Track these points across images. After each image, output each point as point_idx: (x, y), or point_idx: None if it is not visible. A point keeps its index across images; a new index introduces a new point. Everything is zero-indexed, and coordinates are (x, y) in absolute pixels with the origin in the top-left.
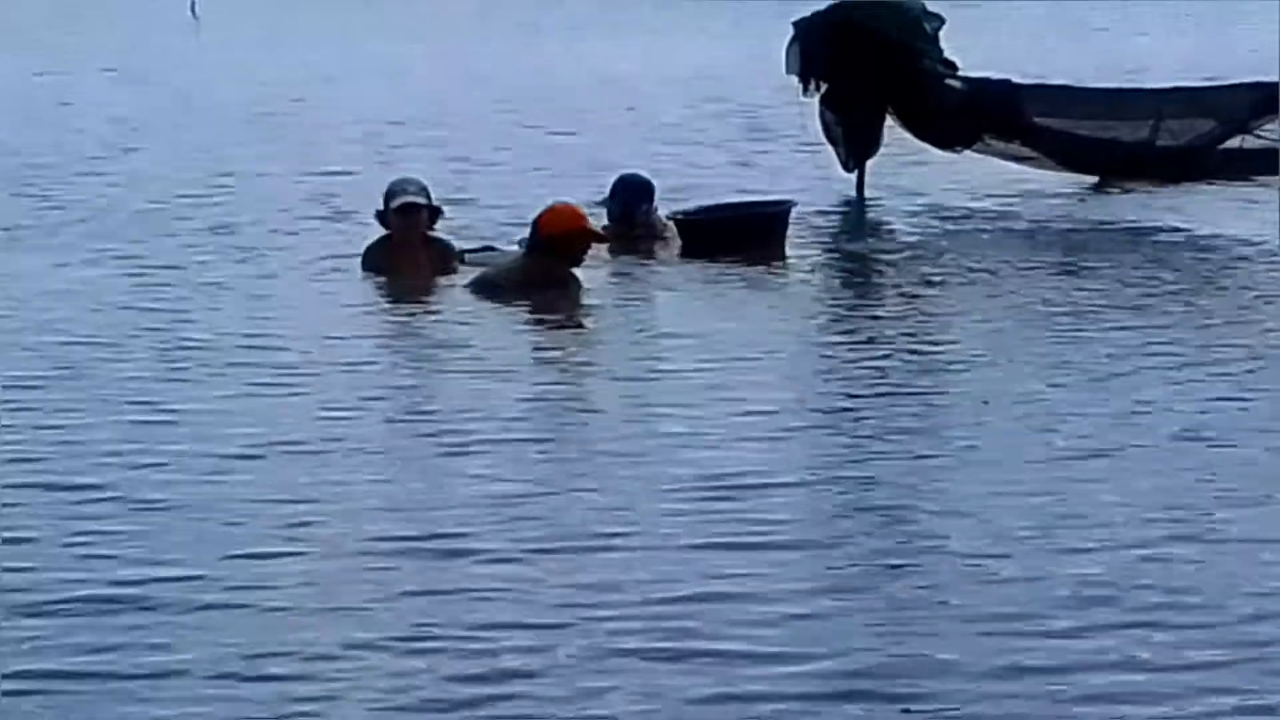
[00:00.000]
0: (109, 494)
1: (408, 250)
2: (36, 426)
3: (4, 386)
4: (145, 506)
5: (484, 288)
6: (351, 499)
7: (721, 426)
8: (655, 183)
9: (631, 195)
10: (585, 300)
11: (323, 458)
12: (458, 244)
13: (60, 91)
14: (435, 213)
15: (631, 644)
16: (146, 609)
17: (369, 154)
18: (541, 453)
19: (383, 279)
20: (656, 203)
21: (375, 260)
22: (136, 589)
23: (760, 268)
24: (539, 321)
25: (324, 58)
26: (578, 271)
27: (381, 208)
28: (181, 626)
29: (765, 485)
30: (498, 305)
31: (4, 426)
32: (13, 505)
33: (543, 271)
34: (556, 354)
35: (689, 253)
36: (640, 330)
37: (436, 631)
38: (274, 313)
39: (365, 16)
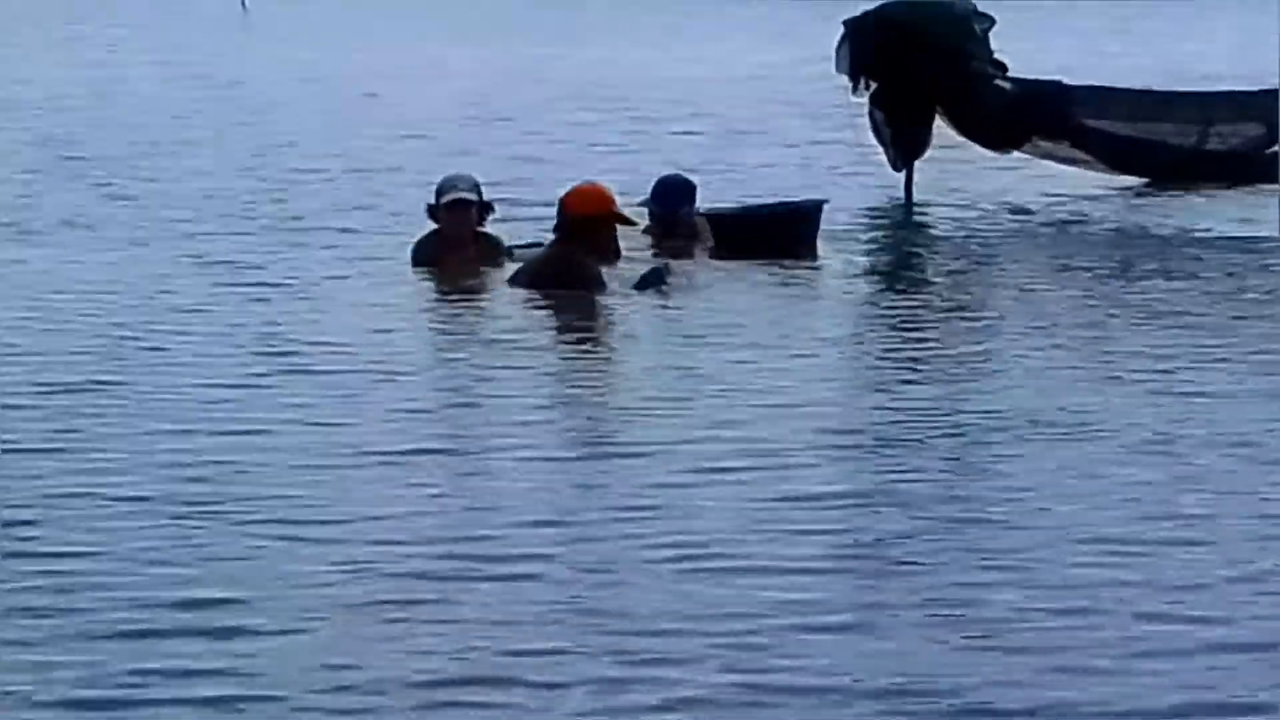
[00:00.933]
0: (150, 501)
1: (457, 246)
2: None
3: (48, 387)
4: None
5: (520, 281)
6: (388, 505)
7: (747, 432)
8: (696, 183)
9: (673, 196)
10: (613, 296)
11: (360, 460)
12: (508, 240)
13: (113, 86)
14: (485, 209)
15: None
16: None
17: (424, 151)
18: (564, 456)
19: (432, 275)
20: (699, 202)
21: (425, 255)
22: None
23: (794, 267)
24: (567, 319)
25: (380, 53)
26: (605, 267)
27: (432, 202)
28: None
29: (796, 498)
30: (532, 301)
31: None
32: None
33: (571, 261)
34: (582, 355)
35: (720, 250)
36: (664, 330)
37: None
38: (321, 311)
39: (417, 13)
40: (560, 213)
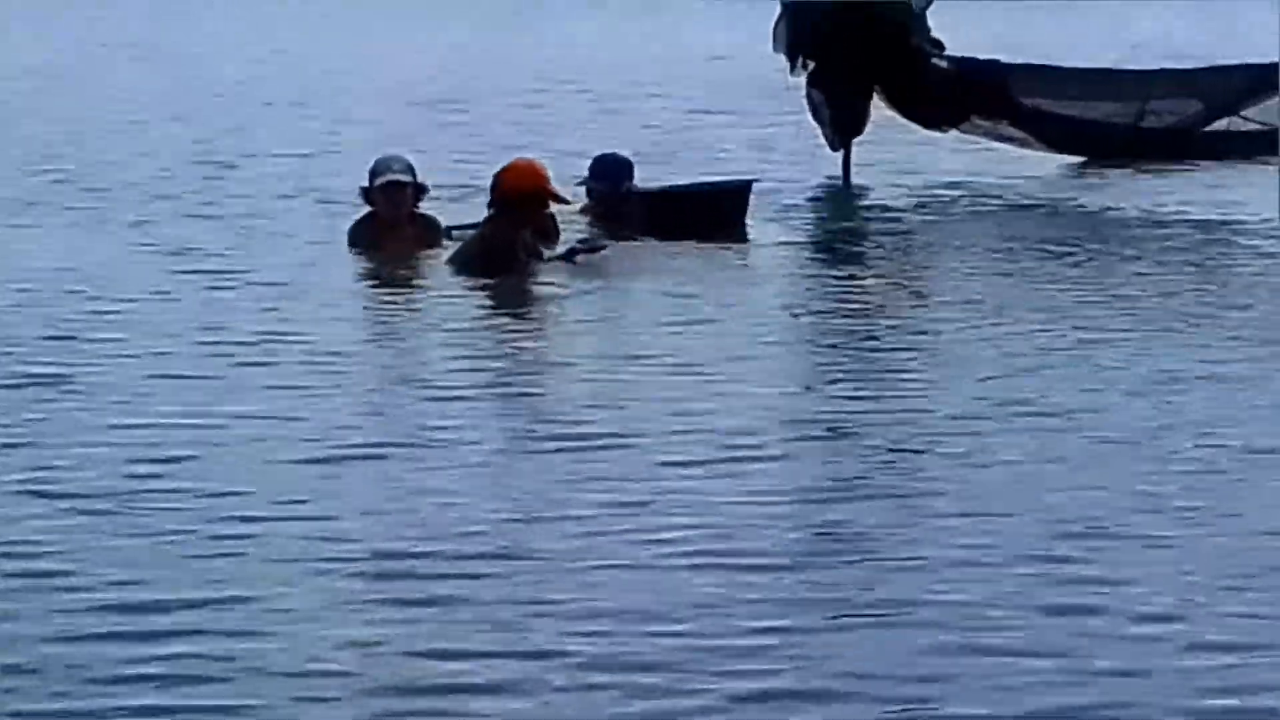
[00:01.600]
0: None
1: (394, 227)
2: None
3: None
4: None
5: (456, 261)
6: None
7: (683, 415)
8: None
9: (614, 173)
10: (550, 275)
11: (306, 452)
12: (445, 221)
13: (69, 65)
14: (420, 190)
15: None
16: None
17: (371, 137)
18: (510, 448)
19: (370, 259)
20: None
21: (361, 238)
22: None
23: (728, 248)
24: (506, 303)
25: (337, 36)
26: (542, 245)
27: (366, 185)
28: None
29: (756, 490)
30: (469, 282)
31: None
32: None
33: (505, 238)
34: (522, 341)
35: (648, 229)
36: (603, 312)
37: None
38: (260, 299)
39: None
40: (494, 189)
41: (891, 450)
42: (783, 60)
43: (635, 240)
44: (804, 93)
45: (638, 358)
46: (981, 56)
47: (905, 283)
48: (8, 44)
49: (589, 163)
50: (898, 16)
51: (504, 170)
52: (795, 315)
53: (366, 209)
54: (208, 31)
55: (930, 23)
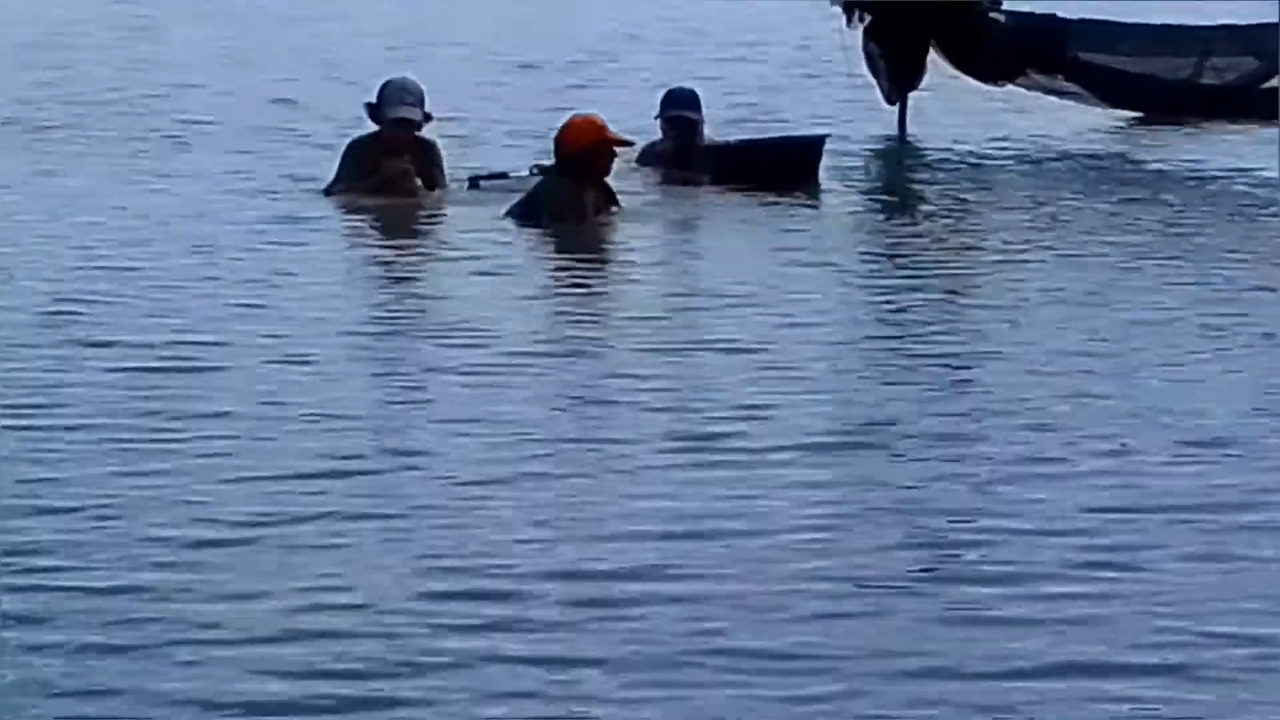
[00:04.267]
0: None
1: (395, 151)
2: None
3: None
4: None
5: (518, 215)
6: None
7: (747, 377)
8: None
9: (689, 102)
10: (620, 226)
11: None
12: (466, 171)
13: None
14: (426, 118)
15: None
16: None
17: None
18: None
19: (390, 209)
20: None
21: (360, 155)
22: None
23: (793, 199)
24: (574, 251)
25: None
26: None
27: (374, 101)
28: None
29: (780, 446)
30: (540, 233)
31: None
32: None
33: (575, 195)
34: (584, 290)
35: (720, 180)
36: (671, 265)
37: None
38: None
39: None
40: (557, 150)
41: (933, 399)
42: (839, 13)
43: (701, 190)
44: (860, 46)
45: (701, 309)
46: (1038, 11)
47: (958, 238)
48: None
49: (660, 98)
50: None
51: (564, 129)
52: (848, 271)
53: (371, 127)
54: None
55: None
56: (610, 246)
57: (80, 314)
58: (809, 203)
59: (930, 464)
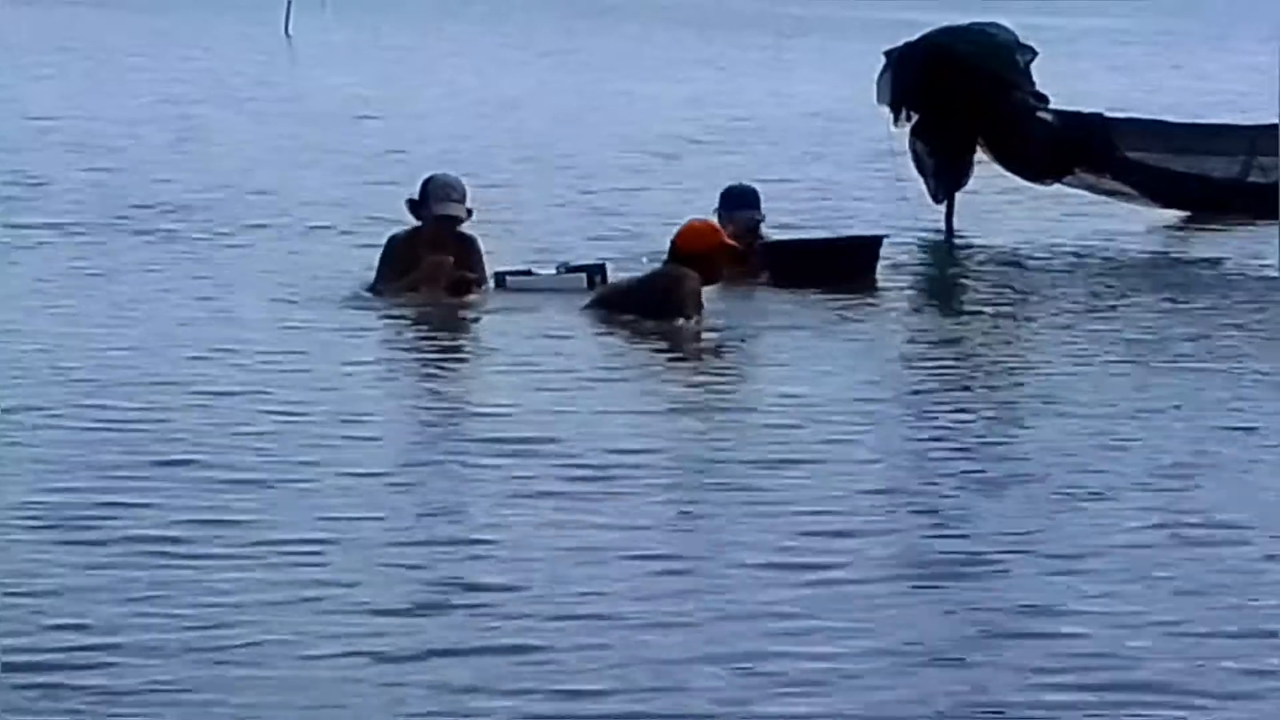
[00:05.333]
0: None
1: (437, 244)
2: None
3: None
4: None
5: (609, 303)
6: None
7: (810, 465)
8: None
9: (749, 200)
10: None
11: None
12: (490, 265)
13: (149, 111)
14: (468, 214)
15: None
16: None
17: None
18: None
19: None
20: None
21: (400, 252)
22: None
23: (850, 298)
24: (649, 343)
25: (421, 81)
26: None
27: (416, 198)
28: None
29: (843, 532)
30: (603, 332)
31: None
32: None
33: (697, 284)
34: (655, 396)
35: (778, 280)
36: (736, 358)
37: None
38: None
39: (471, 44)
40: (674, 251)
41: (977, 498)
42: (886, 112)
43: (758, 287)
44: (907, 144)
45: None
46: (1085, 110)
47: (1005, 335)
48: (105, 91)
49: (718, 196)
50: (1001, 70)
51: (683, 231)
52: (895, 364)
53: (410, 222)
54: (297, 76)
55: (1034, 76)
56: (684, 347)
57: (133, 425)
58: (865, 302)
59: (1030, 579)
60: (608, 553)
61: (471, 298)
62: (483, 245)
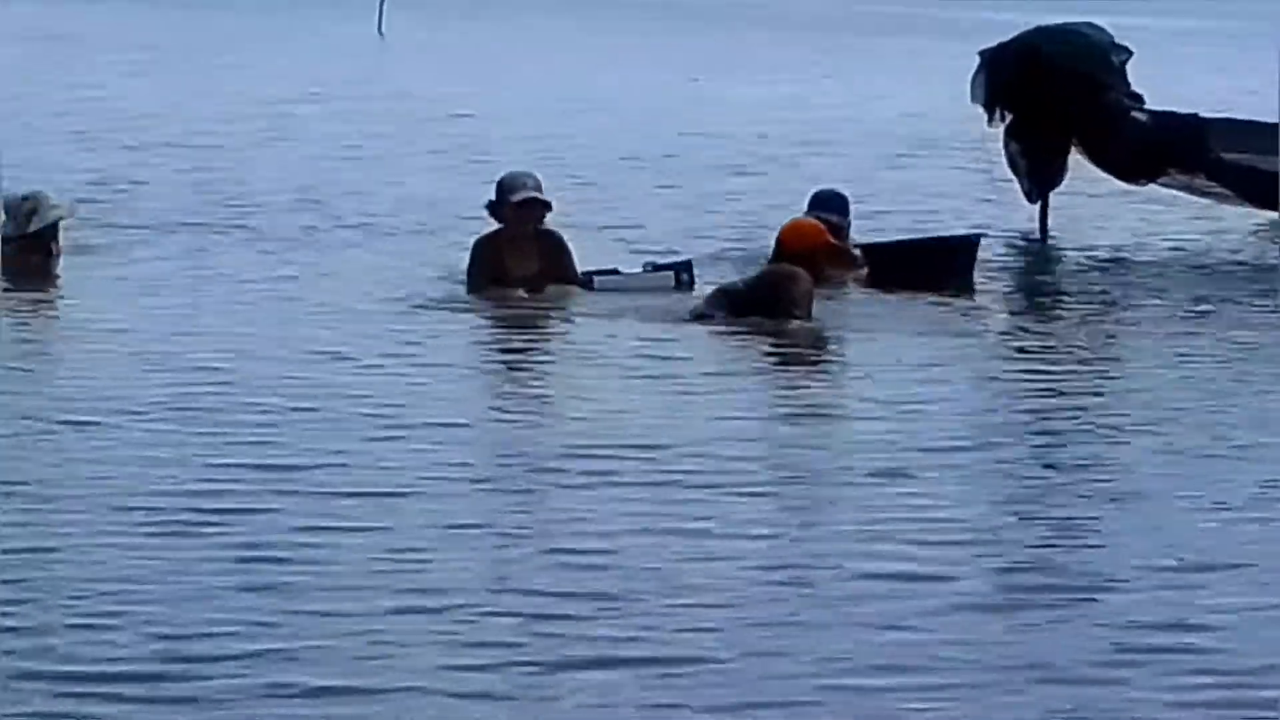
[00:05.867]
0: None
1: (522, 243)
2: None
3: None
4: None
5: (718, 305)
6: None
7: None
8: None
9: (837, 204)
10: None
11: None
12: (583, 268)
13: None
14: (547, 207)
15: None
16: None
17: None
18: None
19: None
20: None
21: (486, 254)
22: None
23: (950, 300)
24: (760, 343)
25: (511, 81)
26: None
27: (494, 199)
28: None
29: (939, 541)
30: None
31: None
32: None
33: (810, 284)
34: (769, 405)
35: (876, 281)
36: (844, 361)
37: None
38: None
39: (569, 40)
40: (779, 248)
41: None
42: (981, 111)
43: (852, 289)
44: (1001, 144)
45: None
46: (1180, 110)
47: (1107, 339)
48: (201, 93)
49: (807, 199)
50: (1095, 70)
51: (789, 229)
52: (1000, 369)
53: (492, 225)
54: (389, 77)
55: (1129, 76)
56: (794, 349)
57: (230, 430)
58: (965, 304)
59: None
60: (718, 562)
61: (569, 296)
62: (571, 244)
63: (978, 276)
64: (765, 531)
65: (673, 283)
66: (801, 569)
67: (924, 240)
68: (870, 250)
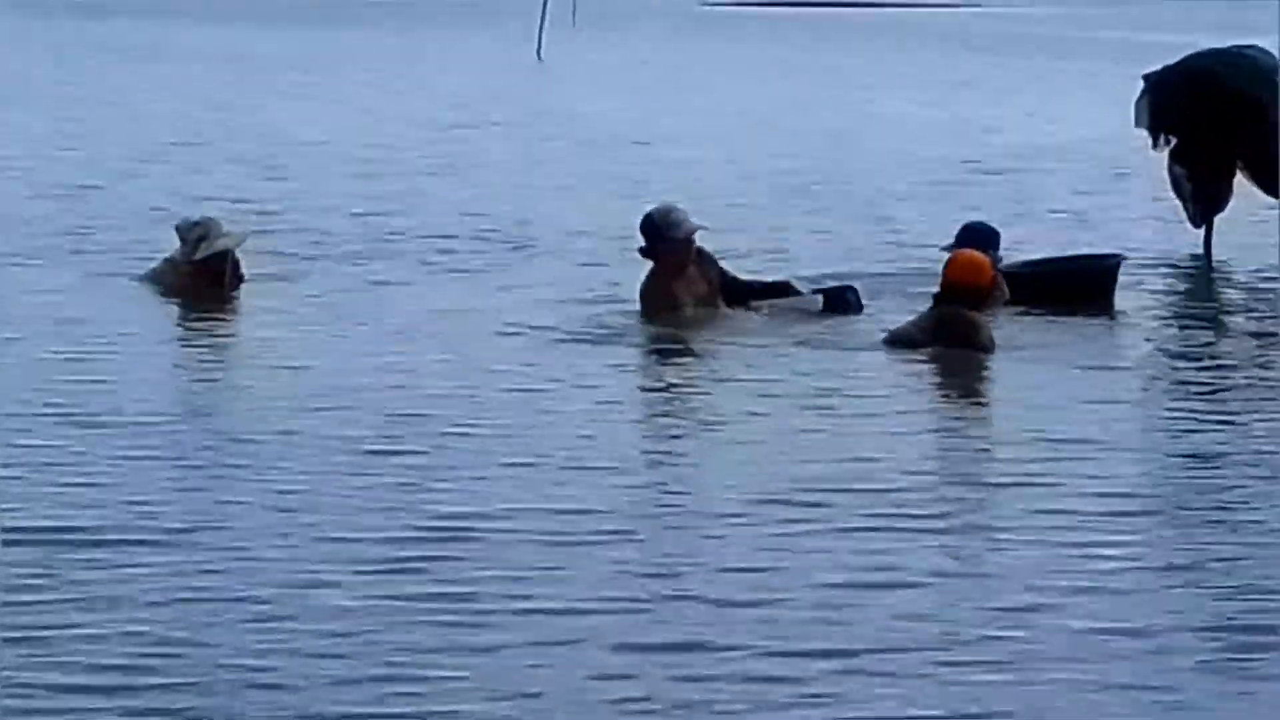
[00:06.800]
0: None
1: (682, 276)
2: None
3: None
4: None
5: (900, 340)
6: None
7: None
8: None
9: (986, 241)
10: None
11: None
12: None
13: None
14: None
15: None
16: None
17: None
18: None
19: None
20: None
21: (658, 294)
22: None
23: (1113, 326)
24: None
25: (670, 105)
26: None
27: (649, 240)
28: None
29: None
30: (906, 358)
31: None
32: None
33: (947, 322)
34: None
35: (1016, 303)
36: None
37: None
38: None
39: (731, 66)
40: (945, 285)
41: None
42: (1145, 135)
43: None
44: (1166, 168)
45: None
46: None
47: (1267, 363)
48: (359, 110)
49: (957, 230)
50: (1262, 93)
51: (951, 262)
52: (1156, 391)
53: (649, 265)
54: (545, 100)
55: None
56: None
57: (375, 468)
58: (1130, 331)
59: None
60: (890, 590)
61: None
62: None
63: (1132, 300)
64: (944, 558)
65: (820, 306)
66: (960, 587)
67: (1064, 261)
68: (1006, 275)
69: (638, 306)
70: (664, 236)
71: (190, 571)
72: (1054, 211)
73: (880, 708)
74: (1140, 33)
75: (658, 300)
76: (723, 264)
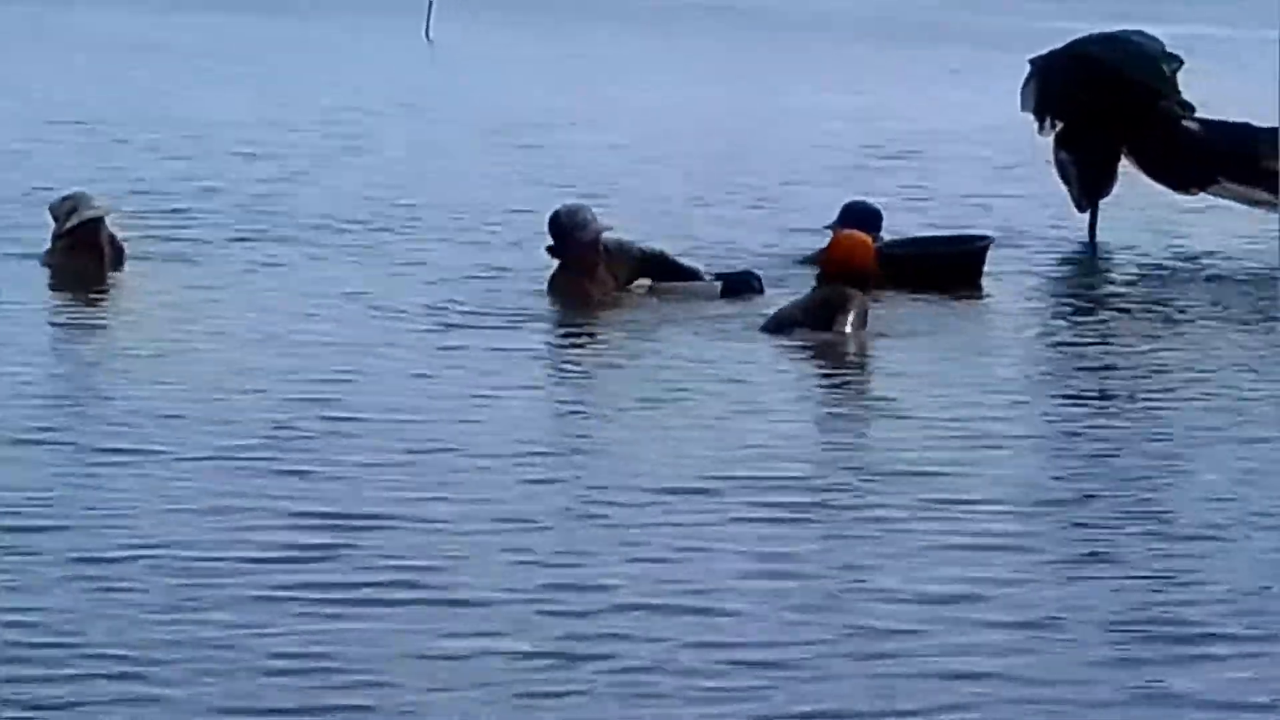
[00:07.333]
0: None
1: (591, 276)
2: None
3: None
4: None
5: (777, 327)
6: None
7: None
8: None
9: (867, 221)
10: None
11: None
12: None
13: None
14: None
15: None
16: None
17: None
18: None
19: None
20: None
21: (562, 289)
22: None
23: (966, 302)
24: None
25: (563, 90)
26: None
27: (557, 240)
28: None
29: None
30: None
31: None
32: None
33: (829, 301)
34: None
35: (884, 281)
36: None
37: None
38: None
39: (623, 52)
40: (830, 265)
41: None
42: (1031, 120)
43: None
44: (1051, 152)
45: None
46: (1232, 119)
47: (1144, 347)
48: (239, 97)
49: (838, 211)
50: (1147, 78)
51: (833, 240)
52: (1039, 377)
53: (556, 263)
54: (434, 86)
55: (1180, 85)
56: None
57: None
58: (983, 305)
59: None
60: (782, 579)
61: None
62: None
63: (1008, 283)
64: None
65: (718, 293)
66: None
67: (932, 240)
68: (881, 253)
69: (541, 291)
70: (571, 237)
71: (77, 560)
72: (949, 195)
73: (766, 706)
74: (1026, 19)
75: (566, 298)
76: (641, 246)
